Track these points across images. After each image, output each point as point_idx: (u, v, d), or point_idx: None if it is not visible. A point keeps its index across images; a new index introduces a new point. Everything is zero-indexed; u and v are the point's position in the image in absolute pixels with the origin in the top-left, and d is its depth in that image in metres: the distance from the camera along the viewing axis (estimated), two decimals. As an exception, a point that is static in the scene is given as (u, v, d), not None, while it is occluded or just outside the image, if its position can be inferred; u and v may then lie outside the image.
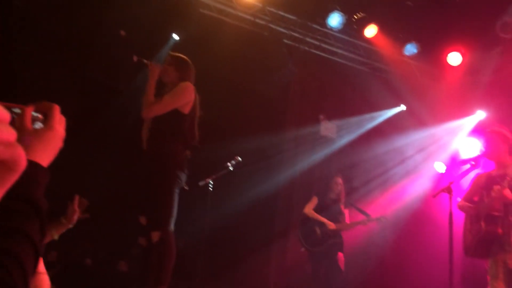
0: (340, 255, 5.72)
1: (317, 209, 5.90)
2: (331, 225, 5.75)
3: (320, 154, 7.45)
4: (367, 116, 7.67)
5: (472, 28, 6.42)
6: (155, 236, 3.67)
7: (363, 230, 6.86)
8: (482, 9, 6.17)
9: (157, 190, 3.73)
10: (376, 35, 6.80)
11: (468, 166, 4.12)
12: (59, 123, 1.10)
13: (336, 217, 5.79)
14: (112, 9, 6.05)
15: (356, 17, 6.78)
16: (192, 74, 3.97)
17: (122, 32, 6.27)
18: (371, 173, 7.59)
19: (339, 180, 5.92)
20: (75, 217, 3.07)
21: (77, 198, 3.13)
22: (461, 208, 4.48)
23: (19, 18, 5.31)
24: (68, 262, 5.24)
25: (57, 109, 1.10)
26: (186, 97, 3.79)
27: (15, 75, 5.19)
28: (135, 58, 3.93)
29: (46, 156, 1.06)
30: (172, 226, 3.71)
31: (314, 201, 5.99)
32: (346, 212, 5.90)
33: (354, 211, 6.10)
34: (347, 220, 5.89)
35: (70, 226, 3.07)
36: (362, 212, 5.95)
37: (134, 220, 3.84)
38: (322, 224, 5.79)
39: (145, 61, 3.91)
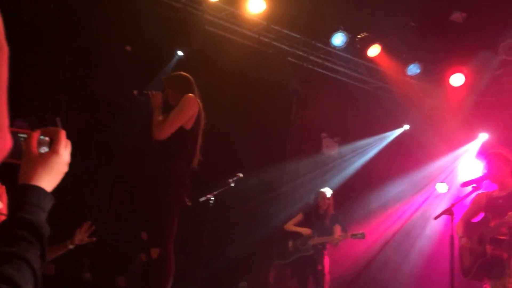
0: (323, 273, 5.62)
1: (301, 225, 5.86)
2: (306, 231, 5.70)
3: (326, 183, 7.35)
4: (371, 140, 7.68)
5: (475, 49, 6.46)
6: (154, 252, 3.64)
7: (362, 251, 6.81)
8: (485, 30, 6.22)
9: (158, 207, 3.71)
10: (379, 55, 6.85)
11: (470, 188, 4.10)
12: (65, 148, 1.11)
13: (322, 233, 5.71)
14: (119, 25, 6.13)
15: (359, 37, 6.83)
16: (192, 86, 3.97)
17: (128, 48, 6.33)
18: (373, 194, 7.56)
19: (326, 195, 5.85)
20: (82, 242, 3.20)
21: (86, 225, 3.25)
22: (457, 229, 4.44)
23: (25, 32, 5.37)
24: (66, 276, 5.21)
25: (63, 134, 1.11)
26: (191, 109, 3.79)
27: (20, 89, 5.23)
28: (135, 92, 3.97)
29: (50, 181, 1.07)
30: (172, 243, 3.70)
31: (298, 218, 5.97)
32: (336, 228, 5.73)
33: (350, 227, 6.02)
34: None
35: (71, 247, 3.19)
36: (343, 228, 5.77)
37: (135, 236, 3.82)
38: (295, 237, 5.76)
39: (145, 92, 3.95)
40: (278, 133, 7.40)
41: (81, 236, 3.39)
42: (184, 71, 4.09)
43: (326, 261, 5.71)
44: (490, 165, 4.39)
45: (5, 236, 0.93)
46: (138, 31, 6.18)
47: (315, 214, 5.86)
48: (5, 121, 0.74)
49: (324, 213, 5.82)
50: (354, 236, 5.58)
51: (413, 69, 6.93)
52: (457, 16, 6.27)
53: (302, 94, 7.59)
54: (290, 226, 5.92)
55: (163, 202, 3.70)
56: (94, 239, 3.42)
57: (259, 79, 6.83)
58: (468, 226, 4.43)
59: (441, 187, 7.42)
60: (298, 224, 5.91)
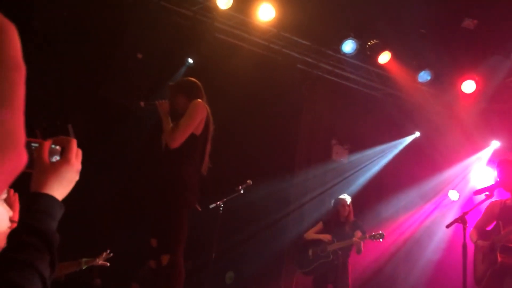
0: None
1: (322, 233, 5.83)
2: (326, 237, 5.66)
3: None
4: (382, 147, 7.64)
5: (486, 56, 6.42)
6: (165, 259, 3.64)
7: (372, 259, 6.75)
8: (497, 37, 6.18)
9: (168, 214, 3.71)
10: (389, 62, 6.82)
11: (482, 196, 4.06)
12: (76, 157, 1.12)
13: (344, 240, 5.63)
14: (130, 33, 6.19)
15: (369, 44, 6.81)
16: (200, 91, 3.97)
17: (139, 55, 6.39)
18: (383, 202, 7.50)
19: (346, 202, 5.80)
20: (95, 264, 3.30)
21: (105, 254, 3.34)
22: (471, 237, 4.39)
23: (37, 38, 5.45)
24: (76, 282, 5.22)
25: (74, 143, 1.12)
26: (200, 115, 3.80)
27: (32, 96, 5.27)
28: (142, 104, 4.00)
29: (61, 189, 1.08)
30: (182, 249, 3.70)
31: (318, 226, 5.93)
32: (357, 234, 5.63)
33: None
34: None
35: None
36: (362, 231, 5.69)
37: (145, 242, 3.83)
38: (315, 245, 5.73)
39: (151, 102, 3.97)
40: (287, 140, 7.39)
41: (97, 263, 3.49)
42: (194, 78, 4.10)
43: (349, 271, 5.62)
44: (502, 173, 4.36)
45: (15, 243, 0.94)
46: (149, 39, 6.23)
47: (335, 222, 5.78)
48: (23, 137, 0.78)
49: (345, 220, 5.75)
50: (372, 237, 5.47)
51: (424, 76, 6.89)
52: (468, 23, 6.23)
53: (312, 101, 7.58)
54: (310, 235, 5.87)
55: (173, 209, 3.70)
56: (108, 264, 3.50)
57: (269, 86, 6.84)
58: (482, 234, 4.39)
59: (453, 195, 7.35)
60: (318, 233, 5.86)
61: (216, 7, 6.07)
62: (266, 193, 6.39)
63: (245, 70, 6.39)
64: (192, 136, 3.78)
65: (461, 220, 3.86)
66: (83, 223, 5.01)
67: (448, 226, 4.05)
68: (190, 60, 6.56)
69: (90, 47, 6.05)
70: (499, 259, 4.10)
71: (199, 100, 3.85)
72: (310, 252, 5.76)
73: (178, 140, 3.72)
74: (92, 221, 5.36)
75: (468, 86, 6.78)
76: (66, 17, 5.72)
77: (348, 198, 5.87)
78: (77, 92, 6.17)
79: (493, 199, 4.29)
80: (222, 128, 4.24)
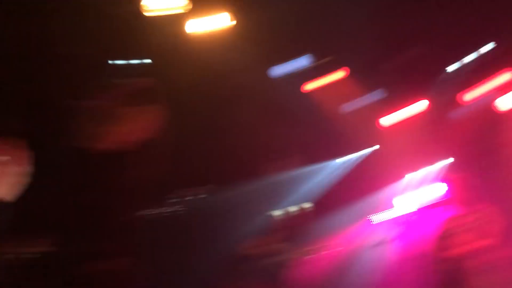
0: None
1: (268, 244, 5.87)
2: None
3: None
4: (336, 160, 7.71)
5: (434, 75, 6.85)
6: (120, 262, 3.58)
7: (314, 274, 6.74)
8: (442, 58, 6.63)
9: (125, 217, 3.58)
10: (343, 79, 6.99)
11: (432, 210, 4.21)
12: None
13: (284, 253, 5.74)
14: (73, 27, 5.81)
15: (323, 61, 6.97)
16: (148, 93, 4.00)
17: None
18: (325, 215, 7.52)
19: (291, 215, 6.00)
20: None
21: None
22: (433, 254, 4.52)
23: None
24: None
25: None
26: (140, 119, 3.93)
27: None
28: (85, 104, 3.92)
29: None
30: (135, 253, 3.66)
31: (263, 238, 5.98)
32: (295, 248, 5.84)
33: None
34: None
35: None
36: (301, 246, 5.95)
37: (102, 245, 3.57)
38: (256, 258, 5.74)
39: (96, 102, 3.86)
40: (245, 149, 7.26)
41: None
42: (151, 77, 4.01)
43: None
44: (453, 189, 4.56)
45: None
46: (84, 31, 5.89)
47: (280, 234, 5.82)
48: None
49: (289, 232, 5.84)
50: (306, 252, 5.68)
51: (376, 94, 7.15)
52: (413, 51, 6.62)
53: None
54: (249, 248, 5.77)
55: (129, 212, 3.61)
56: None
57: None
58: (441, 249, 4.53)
59: (399, 209, 7.49)
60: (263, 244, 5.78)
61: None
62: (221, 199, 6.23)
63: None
64: (130, 140, 3.79)
65: (400, 234, 3.97)
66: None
67: (388, 242, 4.13)
68: (147, 60, 6.31)
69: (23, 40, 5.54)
70: (445, 269, 4.24)
71: (144, 105, 3.81)
72: (252, 264, 5.65)
73: (111, 144, 3.72)
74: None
75: (418, 106, 7.10)
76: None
77: (293, 210, 5.97)
78: (7, 90, 5.66)
79: (447, 214, 4.46)
80: (184, 130, 4.12)
